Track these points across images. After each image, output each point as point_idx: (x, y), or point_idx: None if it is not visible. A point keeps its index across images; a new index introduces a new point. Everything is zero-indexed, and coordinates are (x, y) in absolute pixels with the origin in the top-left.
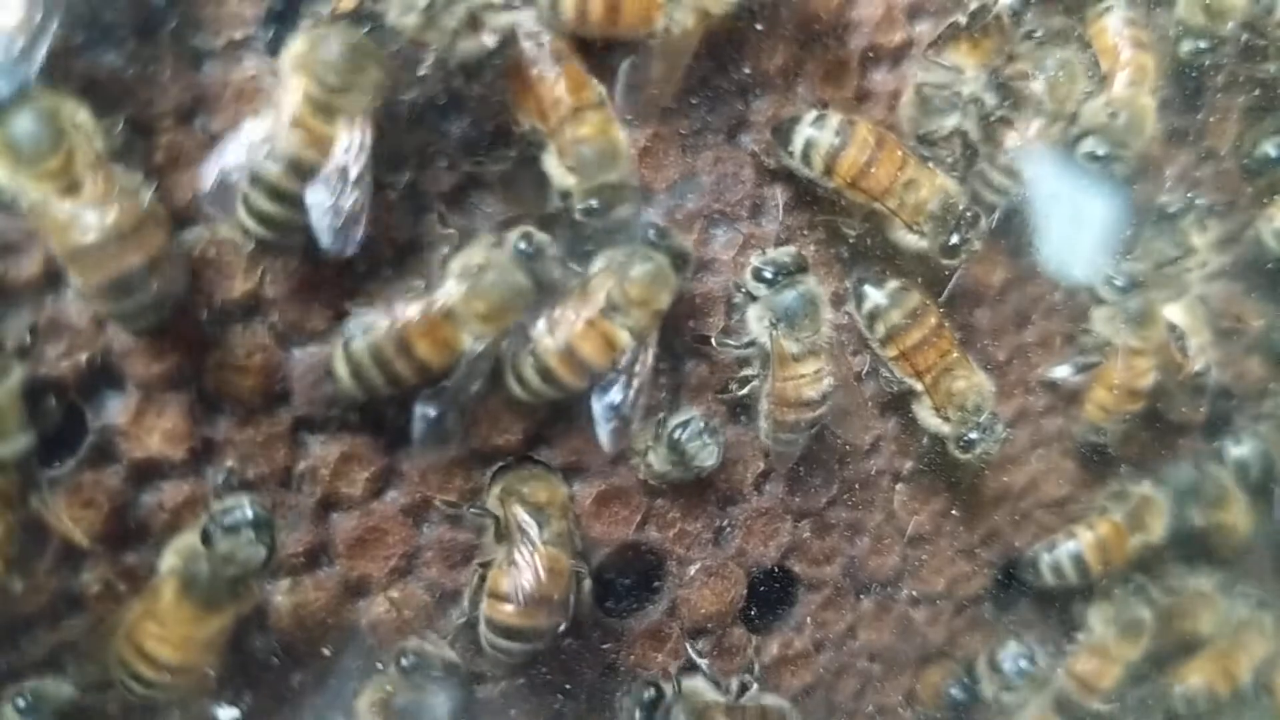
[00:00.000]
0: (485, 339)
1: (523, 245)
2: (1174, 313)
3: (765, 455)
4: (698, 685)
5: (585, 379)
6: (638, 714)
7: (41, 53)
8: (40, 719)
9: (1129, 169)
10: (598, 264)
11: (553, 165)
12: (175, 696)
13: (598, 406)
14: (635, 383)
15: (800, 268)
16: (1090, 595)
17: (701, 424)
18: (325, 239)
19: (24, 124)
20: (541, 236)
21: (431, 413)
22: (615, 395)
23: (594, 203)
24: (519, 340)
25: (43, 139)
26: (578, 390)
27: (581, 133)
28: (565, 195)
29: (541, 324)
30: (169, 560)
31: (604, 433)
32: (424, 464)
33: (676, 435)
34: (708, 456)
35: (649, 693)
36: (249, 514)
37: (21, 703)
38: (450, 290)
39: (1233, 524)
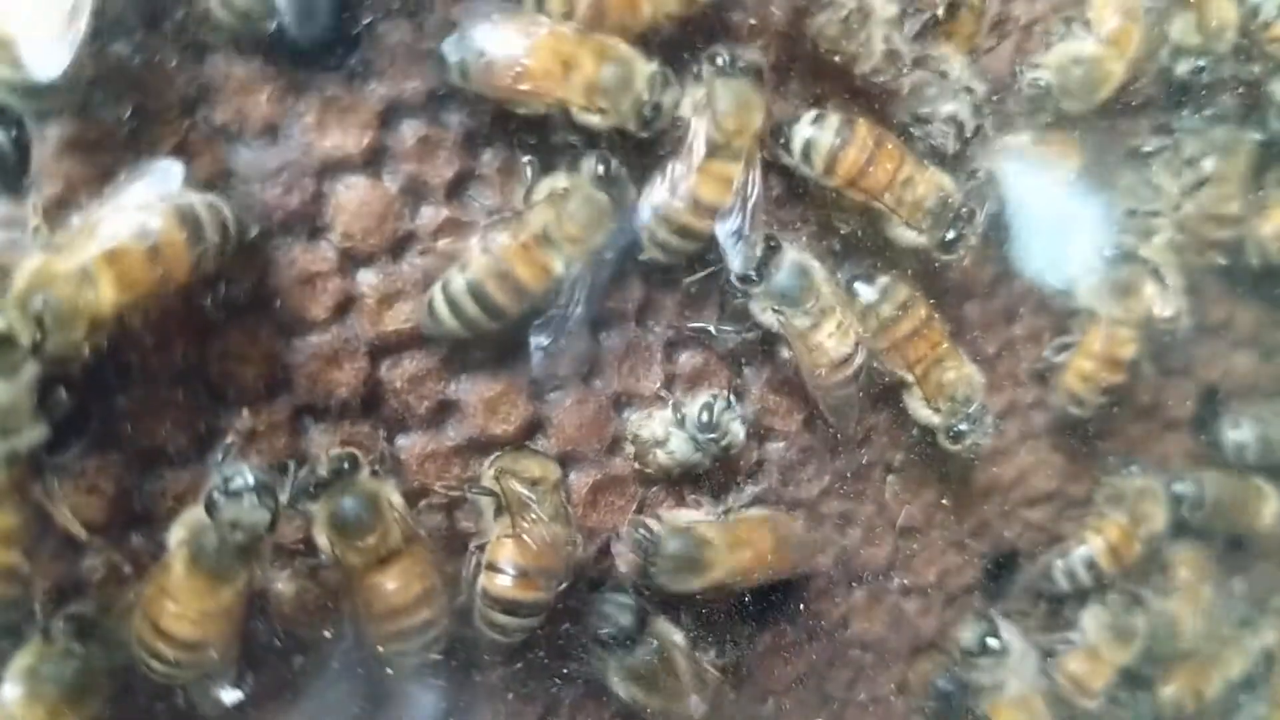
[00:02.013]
0: (577, 261)
1: (600, 169)
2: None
3: (759, 444)
4: (678, 513)
5: (714, 220)
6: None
7: (79, 35)
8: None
9: (1066, 120)
10: (685, 111)
11: (586, 119)
12: (198, 674)
13: (722, 234)
14: (749, 205)
15: (774, 248)
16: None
17: (723, 403)
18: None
19: None
20: (615, 161)
21: (545, 341)
22: (735, 221)
23: (642, 119)
24: (638, 216)
25: None
26: (710, 234)
27: (590, 77)
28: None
29: (661, 192)
30: (177, 534)
31: (734, 257)
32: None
33: (705, 418)
34: (739, 430)
35: (641, 531)
36: (249, 479)
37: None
38: (540, 214)
39: None
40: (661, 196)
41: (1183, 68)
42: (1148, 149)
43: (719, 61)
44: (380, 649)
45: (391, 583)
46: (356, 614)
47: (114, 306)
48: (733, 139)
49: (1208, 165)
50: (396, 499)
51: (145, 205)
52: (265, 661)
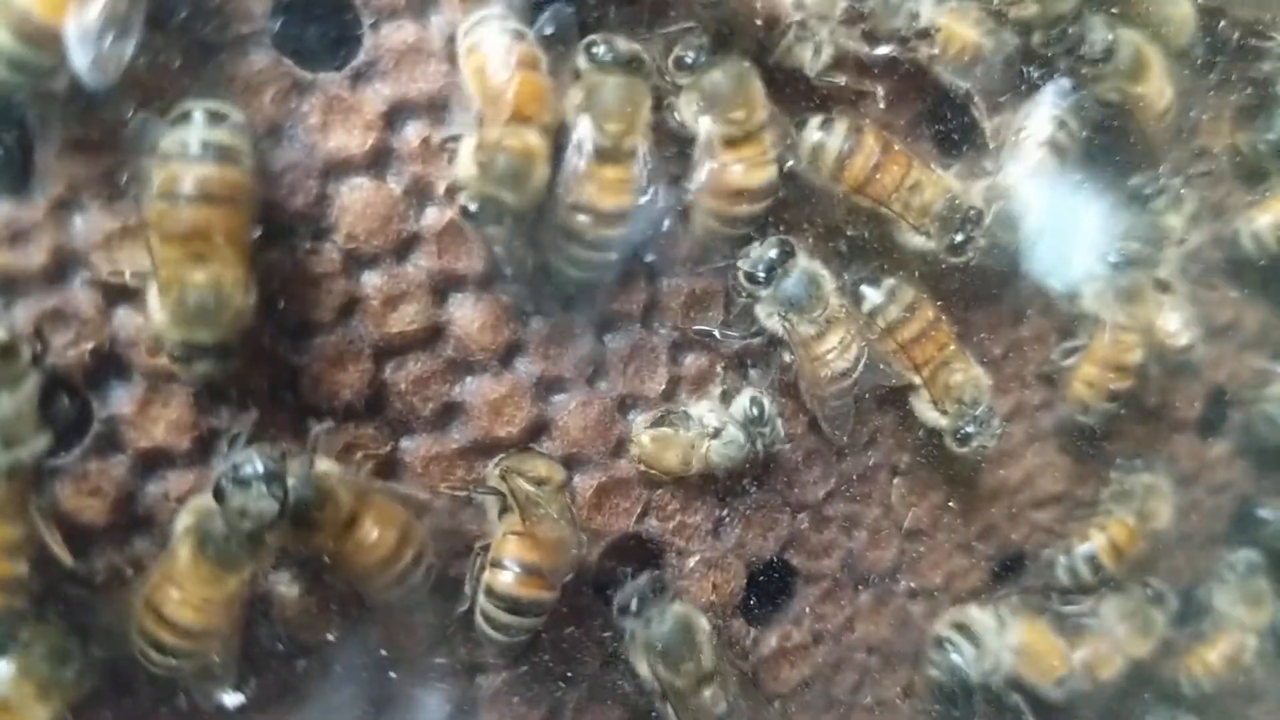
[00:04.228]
0: (636, 142)
1: (598, 51)
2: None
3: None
4: None
5: (762, 202)
6: None
7: (131, 44)
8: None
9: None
10: (686, 117)
11: (466, 150)
12: (197, 666)
13: None
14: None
15: (787, 254)
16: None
17: (766, 400)
18: None
19: None
20: (606, 35)
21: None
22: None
23: (473, 207)
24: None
25: None
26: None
27: (507, 141)
28: (454, 187)
29: (705, 196)
30: (184, 520)
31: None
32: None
33: (755, 411)
34: (781, 426)
35: None
36: (259, 468)
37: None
38: (584, 129)
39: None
40: (705, 201)
41: None
42: (1146, 190)
43: (688, 59)
44: (384, 597)
45: (368, 539)
46: (351, 580)
47: None
48: (745, 124)
49: None
50: (325, 465)
51: None
52: (268, 665)
